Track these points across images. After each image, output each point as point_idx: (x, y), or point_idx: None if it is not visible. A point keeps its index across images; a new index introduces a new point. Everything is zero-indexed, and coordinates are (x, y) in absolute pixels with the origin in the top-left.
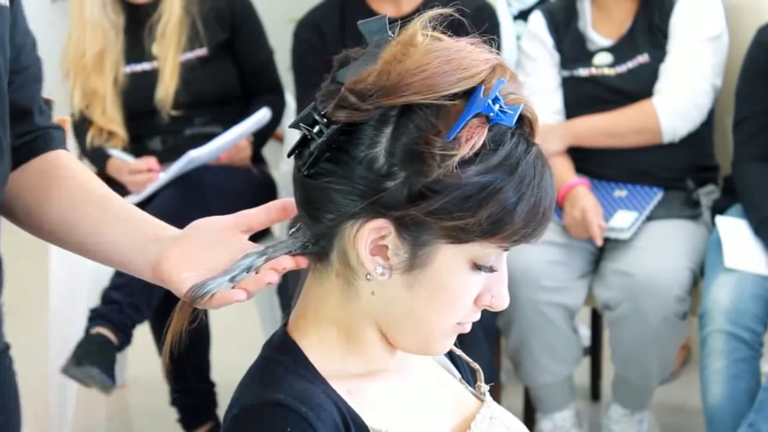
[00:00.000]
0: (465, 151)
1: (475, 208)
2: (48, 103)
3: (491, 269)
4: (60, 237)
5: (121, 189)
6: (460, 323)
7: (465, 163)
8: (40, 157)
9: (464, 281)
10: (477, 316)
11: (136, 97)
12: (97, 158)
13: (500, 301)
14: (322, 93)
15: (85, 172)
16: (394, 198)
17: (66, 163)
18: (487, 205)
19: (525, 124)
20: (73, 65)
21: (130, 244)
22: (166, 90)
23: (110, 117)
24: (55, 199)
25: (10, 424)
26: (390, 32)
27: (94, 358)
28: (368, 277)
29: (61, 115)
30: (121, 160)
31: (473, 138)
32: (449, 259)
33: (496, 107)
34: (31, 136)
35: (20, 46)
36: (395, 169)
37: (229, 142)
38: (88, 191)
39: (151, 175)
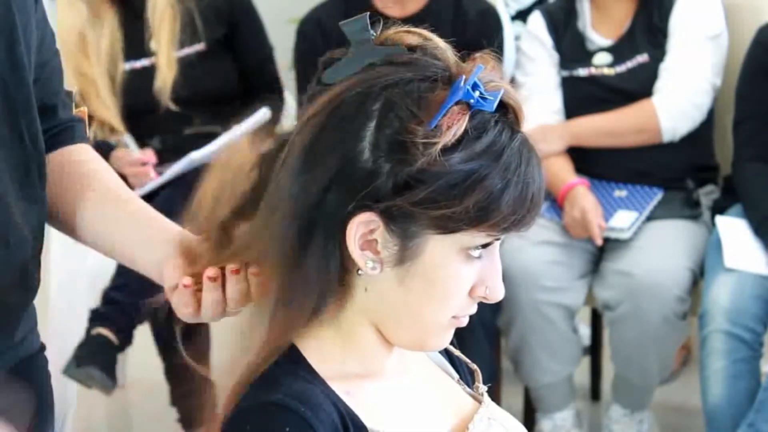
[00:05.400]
0: (447, 138)
1: (461, 196)
2: (69, 95)
3: (485, 245)
4: (78, 233)
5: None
6: (455, 317)
7: (448, 150)
8: (60, 151)
9: (456, 272)
10: (473, 309)
11: (136, 94)
12: (101, 151)
13: (495, 293)
14: (308, 95)
15: (103, 168)
16: (381, 190)
17: (85, 157)
18: (473, 192)
19: (509, 112)
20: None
21: (141, 245)
22: (163, 80)
23: (109, 113)
24: (71, 195)
25: (45, 425)
26: (372, 32)
27: (95, 359)
28: (359, 272)
29: (81, 108)
30: (126, 150)
31: (455, 125)
32: (440, 249)
33: (476, 94)
34: (55, 130)
35: (41, 37)
36: (380, 161)
37: (229, 143)
38: (104, 190)
39: (147, 168)
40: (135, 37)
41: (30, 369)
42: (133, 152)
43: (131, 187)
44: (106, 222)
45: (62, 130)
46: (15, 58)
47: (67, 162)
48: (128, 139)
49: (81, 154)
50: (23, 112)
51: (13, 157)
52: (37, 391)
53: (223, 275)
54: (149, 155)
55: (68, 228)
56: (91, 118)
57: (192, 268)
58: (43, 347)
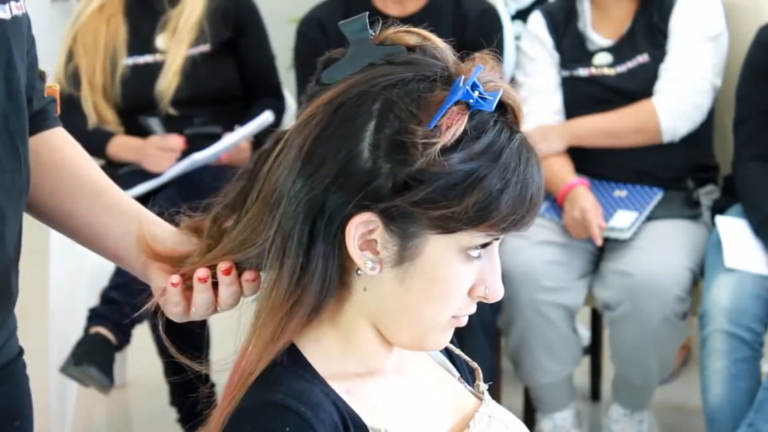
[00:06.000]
0: (446, 138)
1: (460, 196)
2: (42, 76)
3: (484, 246)
4: (57, 224)
5: (120, 181)
6: (455, 316)
7: (447, 150)
8: (35, 138)
9: (456, 272)
10: (472, 309)
11: (136, 91)
12: (98, 138)
13: (494, 293)
14: (307, 95)
15: (79, 156)
16: (380, 190)
17: (60, 144)
18: (472, 192)
19: (508, 112)
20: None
21: (121, 238)
22: (168, 84)
23: (106, 111)
24: (47, 185)
25: (25, 428)
26: (371, 31)
27: (93, 358)
28: (359, 272)
29: (51, 83)
30: (126, 138)
31: (454, 125)
32: (439, 249)
33: (476, 94)
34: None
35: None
36: (380, 161)
37: (231, 145)
38: (80, 179)
39: (172, 154)
40: (141, 32)
41: (10, 374)
42: (165, 137)
43: (128, 187)
44: (90, 217)
45: (34, 116)
46: (12, 88)
47: (44, 150)
48: (154, 122)
49: (56, 141)
50: (21, 139)
51: (14, 185)
52: (16, 396)
53: (213, 274)
54: (179, 141)
55: (49, 221)
56: (71, 98)
57: (179, 267)
58: (21, 351)
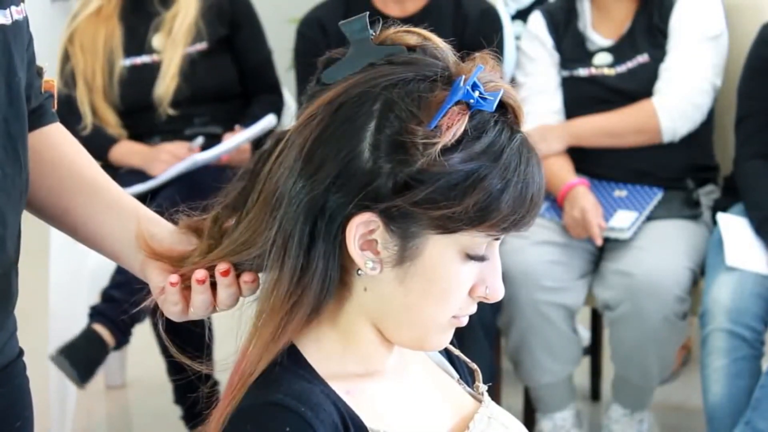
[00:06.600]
0: (447, 138)
1: (460, 196)
2: (39, 72)
3: (482, 258)
4: (55, 221)
5: (119, 180)
6: (455, 316)
7: (448, 151)
8: (32, 134)
9: (456, 272)
10: (473, 309)
11: (134, 91)
12: (99, 142)
13: (495, 293)
14: (307, 95)
15: (77, 153)
16: (380, 191)
17: (58, 141)
18: (473, 192)
19: (508, 112)
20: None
21: (120, 237)
22: (166, 87)
23: (106, 113)
24: (46, 182)
25: (25, 430)
26: (371, 31)
27: (73, 354)
28: (359, 272)
29: (49, 77)
30: (129, 143)
31: (454, 125)
32: (440, 249)
33: (476, 94)
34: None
35: None
36: (380, 161)
37: (233, 147)
38: (79, 176)
39: (172, 160)
40: (137, 34)
41: (10, 376)
42: (180, 144)
43: (127, 186)
44: (89, 215)
45: (32, 113)
46: (13, 93)
47: (42, 147)
48: (198, 141)
49: (54, 138)
50: (21, 142)
51: (14, 188)
52: (17, 397)
53: (212, 275)
54: (193, 149)
55: (48, 219)
56: (69, 98)
57: (177, 267)
58: (21, 352)
